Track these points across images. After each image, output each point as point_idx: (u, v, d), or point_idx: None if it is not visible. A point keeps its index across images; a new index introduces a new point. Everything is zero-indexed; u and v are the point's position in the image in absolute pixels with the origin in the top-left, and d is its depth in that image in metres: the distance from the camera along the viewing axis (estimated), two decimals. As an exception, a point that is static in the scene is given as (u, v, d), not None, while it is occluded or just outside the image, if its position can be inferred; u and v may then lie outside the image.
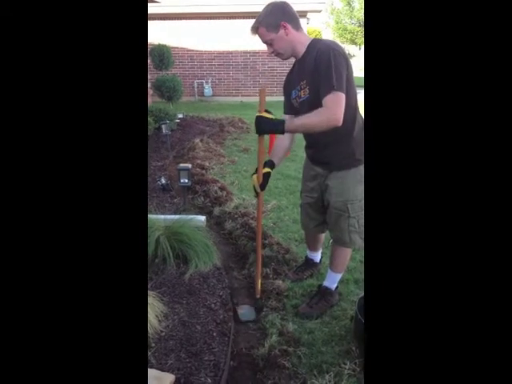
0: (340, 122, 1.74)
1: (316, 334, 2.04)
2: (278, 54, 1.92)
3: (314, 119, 1.78)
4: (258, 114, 1.85)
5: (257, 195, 2.06)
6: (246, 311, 2.24)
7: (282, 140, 2.10)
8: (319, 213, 2.21)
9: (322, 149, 2.01)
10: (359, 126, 1.95)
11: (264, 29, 1.83)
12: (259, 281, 2.24)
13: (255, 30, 1.86)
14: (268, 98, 2.09)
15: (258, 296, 2.26)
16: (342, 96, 1.74)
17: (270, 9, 1.83)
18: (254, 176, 2.03)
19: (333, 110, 1.74)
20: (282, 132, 1.83)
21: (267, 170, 1.99)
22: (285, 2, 1.87)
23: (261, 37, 1.88)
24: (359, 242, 2.05)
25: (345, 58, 1.77)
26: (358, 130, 1.94)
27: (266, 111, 1.85)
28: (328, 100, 1.74)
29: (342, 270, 2.26)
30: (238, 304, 2.29)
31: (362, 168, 1.94)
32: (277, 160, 2.08)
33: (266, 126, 1.84)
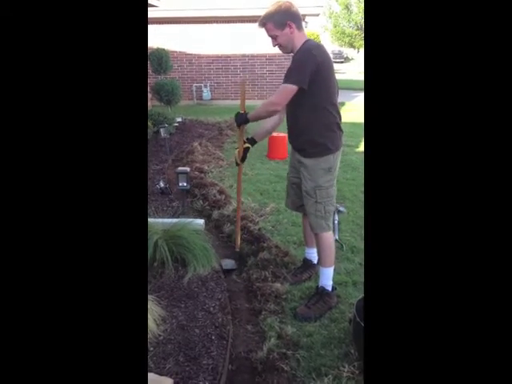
0: (278, 108, 2.11)
1: (315, 337, 2.03)
2: (280, 47, 2.19)
3: (261, 107, 2.19)
4: (237, 112, 2.40)
5: (237, 165, 2.57)
6: (228, 262, 2.69)
7: (266, 123, 2.44)
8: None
9: (298, 137, 2.27)
10: (332, 121, 2.17)
11: (271, 25, 2.09)
12: (239, 237, 2.75)
13: (263, 24, 2.12)
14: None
15: (238, 249, 2.75)
16: (289, 88, 2.02)
17: (279, 8, 2.08)
18: (236, 151, 2.52)
19: (274, 97, 2.12)
20: (247, 121, 2.34)
21: (247, 145, 2.45)
22: (291, 3, 2.12)
23: (267, 31, 2.13)
24: (324, 226, 2.25)
25: (315, 61, 2.00)
26: (330, 124, 2.16)
27: (244, 112, 2.36)
28: (277, 90, 2.13)
29: (330, 263, 2.30)
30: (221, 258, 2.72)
31: (331, 157, 2.18)
32: (258, 138, 2.48)
33: (239, 119, 2.38)
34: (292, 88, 2.01)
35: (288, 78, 2.05)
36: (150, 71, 7.54)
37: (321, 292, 2.26)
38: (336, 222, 3.22)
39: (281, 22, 2.06)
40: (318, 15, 11.31)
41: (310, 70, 1.99)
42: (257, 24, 2.18)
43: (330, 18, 31.45)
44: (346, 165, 4.97)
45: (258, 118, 2.29)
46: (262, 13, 2.18)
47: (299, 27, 2.10)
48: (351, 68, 27.83)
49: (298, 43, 2.10)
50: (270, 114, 2.21)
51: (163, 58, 7.56)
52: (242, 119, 2.35)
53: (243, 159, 2.50)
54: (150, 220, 2.68)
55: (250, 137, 2.46)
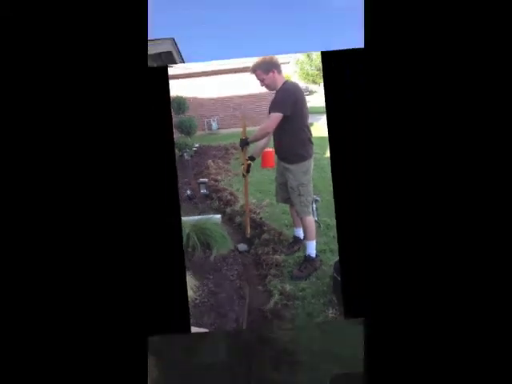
0: (270, 130, 2.25)
1: (306, 291, 2.05)
2: (266, 87, 2.30)
3: (257, 131, 2.36)
4: (240, 138, 2.46)
5: (244, 177, 2.63)
6: (241, 246, 2.62)
7: (260, 142, 2.50)
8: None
9: (282, 150, 2.39)
10: (305, 137, 2.30)
11: (261, 71, 2.22)
12: (248, 227, 2.70)
13: (253, 71, 2.24)
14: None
15: (248, 236, 2.70)
16: (277, 116, 2.16)
17: (264, 59, 2.22)
18: (242, 166, 2.61)
19: (266, 124, 2.29)
20: (248, 143, 2.41)
21: (249, 162, 2.51)
22: (272, 56, 2.26)
23: (257, 76, 2.25)
24: (306, 212, 2.36)
25: (294, 95, 2.15)
26: (304, 140, 2.29)
27: (246, 137, 2.42)
28: (268, 118, 2.26)
29: (313, 237, 2.36)
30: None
31: (307, 162, 2.34)
32: (256, 155, 2.57)
33: (242, 143, 2.44)
34: (278, 115, 2.12)
35: (274, 109, 2.15)
36: (172, 113, 7.52)
37: (308, 258, 2.30)
38: (314, 207, 3.23)
39: (266, 68, 2.17)
40: (288, 63, 11.32)
41: (290, 102, 2.11)
42: (248, 72, 2.28)
43: (297, 64, 31.46)
44: (317, 167, 4.96)
45: (256, 140, 2.39)
46: (249, 64, 2.26)
47: (279, 72, 2.22)
48: (315, 98, 27.78)
49: (279, 83, 2.20)
50: (265, 135, 2.32)
51: (181, 102, 7.55)
52: (244, 143, 2.44)
53: (248, 171, 2.57)
54: (182, 218, 2.68)
55: (250, 155, 2.53)
